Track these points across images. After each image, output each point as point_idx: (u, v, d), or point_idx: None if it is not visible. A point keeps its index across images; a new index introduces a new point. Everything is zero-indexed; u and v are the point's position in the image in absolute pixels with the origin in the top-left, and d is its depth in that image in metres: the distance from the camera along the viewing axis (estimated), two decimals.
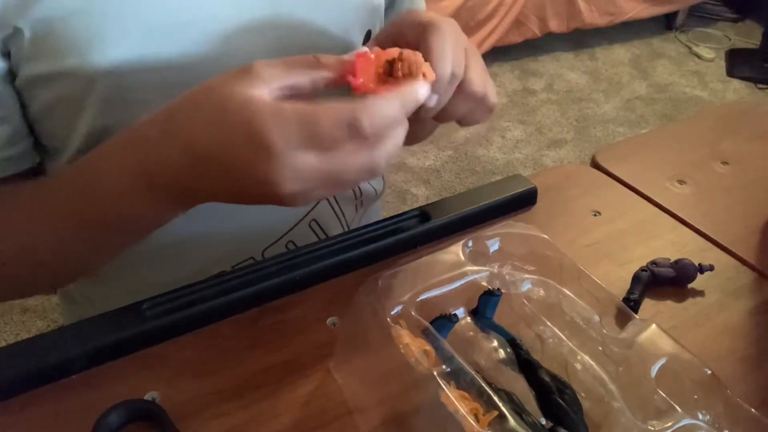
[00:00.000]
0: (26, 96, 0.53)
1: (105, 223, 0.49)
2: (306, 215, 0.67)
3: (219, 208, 0.60)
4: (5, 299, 0.60)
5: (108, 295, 0.66)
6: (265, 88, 0.40)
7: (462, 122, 0.56)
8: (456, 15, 2.62)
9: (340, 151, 0.40)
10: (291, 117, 0.39)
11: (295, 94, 0.42)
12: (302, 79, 0.43)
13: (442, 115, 0.51)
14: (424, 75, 0.44)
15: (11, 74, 0.52)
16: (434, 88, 0.46)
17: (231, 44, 0.55)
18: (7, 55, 0.51)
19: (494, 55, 2.90)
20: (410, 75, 0.43)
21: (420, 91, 0.43)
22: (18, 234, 0.52)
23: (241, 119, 0.39)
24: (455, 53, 0.48)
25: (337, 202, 0.70)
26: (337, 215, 0.70)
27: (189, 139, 0.42)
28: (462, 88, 0.50)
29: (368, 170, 0.41)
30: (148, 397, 0.47)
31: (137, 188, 0.45)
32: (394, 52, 0.44)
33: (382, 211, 0.85)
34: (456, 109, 0.51)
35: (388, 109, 0.41)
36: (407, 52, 0.44)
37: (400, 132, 0.42)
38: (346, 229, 0.71)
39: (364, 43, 0.65)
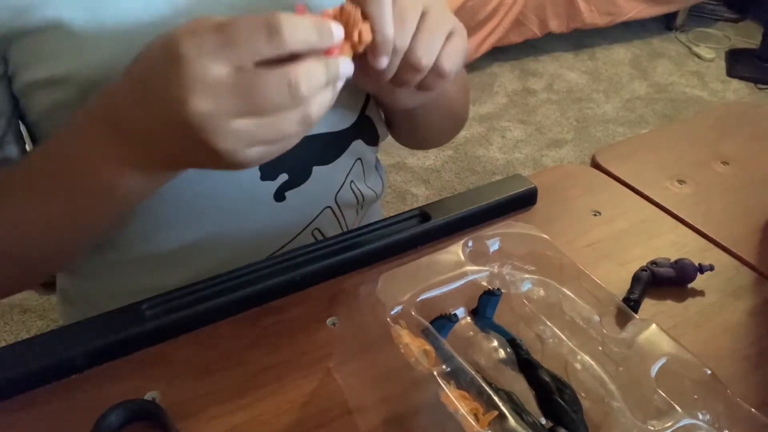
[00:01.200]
0: (26, 102, 0.53)
1: (81, 181, 0.47)
2: (309, 224, 0.66)
3: (221, 217, 0.60)
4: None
5: (107, 298, 0.66)
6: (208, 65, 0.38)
7: (417, 88, 0.53)
8: (456, 15, 2.62)
9: (259, 71, 0.37)
10: (207, 25, 0.37)
11: None
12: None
13: (393, 81, 0.49)
14: (360, 34, 0.43)
15: (7, 78, 0.52)
16: (377, 50, 0.45)
17: None
18: (4, 60, 0.51)
19: (494, 55, 2.89)
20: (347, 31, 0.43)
21: (341, 66, 0.42)
22: (5, 219, 0.51)
23: (165, 36, 0.38)
24: (401, 18, 0.46)
25: (339, 208, 0.69)
26: (339, 222, 0.70)
27: (130, 72, 0.42)
28: (405, 57, 0.47)
29: (289, 91, 0.38)
30: (148, 397, 0.47)
31: (93, 132, 0.45)
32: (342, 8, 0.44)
33: (382, 210, 0.84)
34: (401, 76, 0.49)
35: (310, 30, 0.39)
36: (347, 7, 0.44)
37: (328, 91, 0.41)
38: None
39: None
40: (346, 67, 0.42)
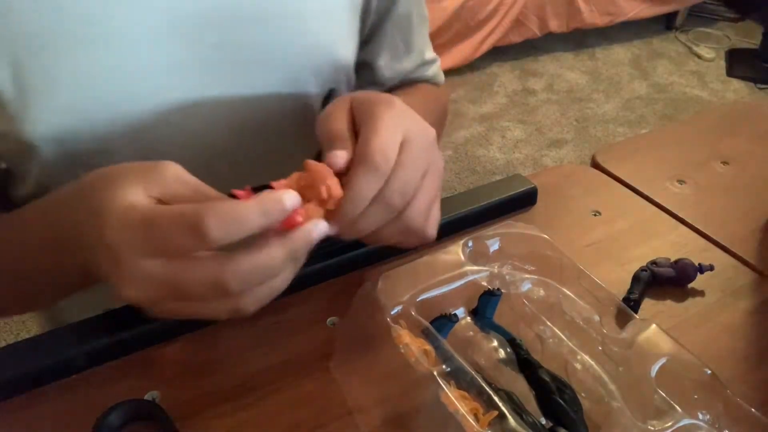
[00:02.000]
0: None
1: (32, 269, 0.48)
2: None
3: None
4: None
5: (72, 305, 0.67)
6: (142, 188, 0.38)
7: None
8: (456, 15, 2.62)
9: (186, 265, 0.36)
10: (136, 221, 0.36)
11: None
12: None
13: (368, 239, 0.44)
14: (328, 189, 0.39)
15: None
16: (344, 211, 0.40)
17: (169, 98, 0.52)
18: None
19: (494, 55, 2.90)
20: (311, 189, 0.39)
21: (303, 239, 0.38)
22: None
23: (99, 223, 0.37)
24: (404, 182, 0.41)
25: None
26: None
27: (78, 225, 0.41)
28: (399, 218, 0.43)
29: (217, 289, 0.36)
30: (148, 397, 0.47)
31: (52, 246, 0.45)
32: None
33: None
34: (388, 235, 0.44)
35: (245, 208, 0.35)
36: (312, 165, 0.40)
37: (276, 279, 0.38)
38: None
39: (325, 104, 0.61)
40: (312, 234, 0.38)
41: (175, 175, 0.39)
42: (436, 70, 0.75)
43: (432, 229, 0.46)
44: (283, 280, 0.39)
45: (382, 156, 0.40)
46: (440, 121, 0.75)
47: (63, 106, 0.48)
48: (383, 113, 0.42)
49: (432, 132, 0.45)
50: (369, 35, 0.66)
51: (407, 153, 0.42)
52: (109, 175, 0.40)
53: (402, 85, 0.72)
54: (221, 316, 0.38)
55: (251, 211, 0.35)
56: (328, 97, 0.61)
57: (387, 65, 0.69)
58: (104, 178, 0.40)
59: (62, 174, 0.49)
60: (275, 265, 0.37)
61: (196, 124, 0.54)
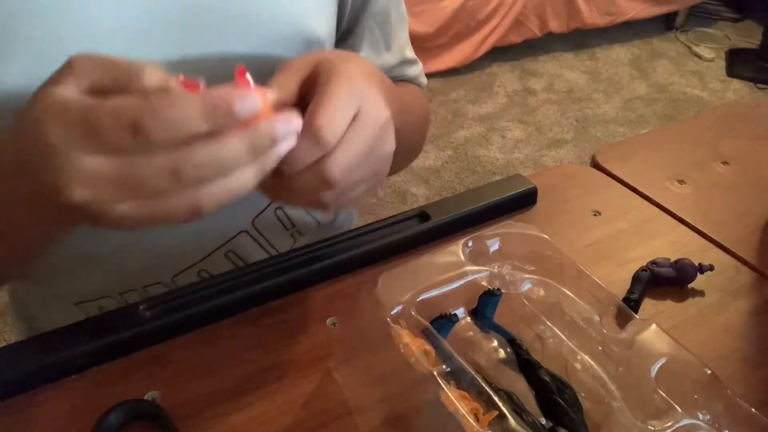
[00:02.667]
0: None
1: None
2: (221, 246, 0.63)
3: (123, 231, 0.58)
4: None
5: (36, 295, 0.67)
6: (73, 84, 0.35)
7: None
8: (456, 15, 2.62)
9: (135, 159, 0.34)
10: (74, 113, 0.34)
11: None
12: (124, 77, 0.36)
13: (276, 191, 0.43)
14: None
15: None
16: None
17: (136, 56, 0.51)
18: None
19: (494, 55, 2.90)
20: None
21: (263, 134, 0.36)
22: None
23: (32, 119, 0.35)
24: (347, 158, 0.41)
25: (259, 232, 0.65)
26: (262, 246, 0.66)
27: (9, 143, 0.39)
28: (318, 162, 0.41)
29: (170, 177, 0.34)
30: (148, 397, 0.47)
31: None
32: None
33: (377, 212, 0.83)
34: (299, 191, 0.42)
35: (185, 110, 0.33)
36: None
37: (237, 173, 0.36)
38: None
39: None
40: (276, 128, 0.36)
41: (94, 61, 0.36)
42: (418, 72, 0.74)
43: (328, 201, 0.43)
44: (242, 179, 0.36)
45: (328, 130, 0.39)
46: (422, 122, 0.73)
47: (20, 72, 0.46)
48: (341, 83, 0.41)
49: (386, 114, 0.44)
50: (348, 28, 0.66)
51: (355, 130, 0.41)
52: (33, 96, 0.37)
53: None
54: (180, 215, 0.36)
55: (194, 110, 0.33)
56: None
57: (368, 59, 0.67)
58: (30, 99, 0.37)
59: None
60: (232, 155, 0.35)
61: None
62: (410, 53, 0.73)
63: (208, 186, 0.35)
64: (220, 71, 0.48)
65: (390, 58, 0.70)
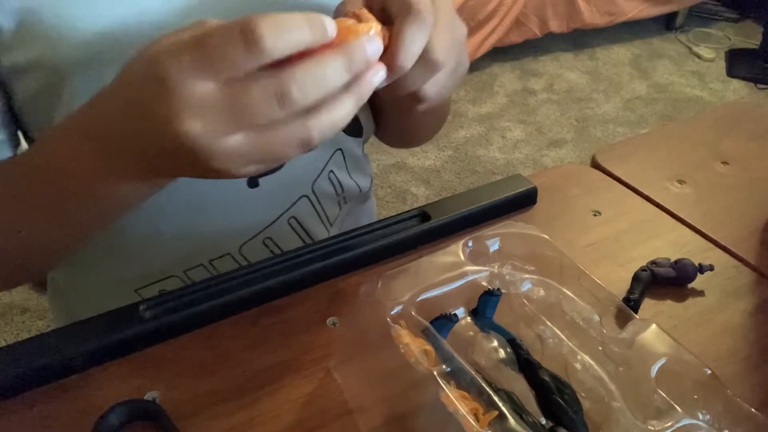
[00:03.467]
0: (9, 87, 0.54)
1: (65, 193, 0.46)
2: (285, 212, 0.65)
3: (190, 202, 0.60)
4: None
5: (93, 284, 0.67)
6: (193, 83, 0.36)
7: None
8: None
9: (244, 83, 0.35)
10: (184, 41, 0.35)
11: None
12: None
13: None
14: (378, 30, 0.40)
15: None
16: (398, 62, 0.41)
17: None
18: None
19: (494, 55, 2.90)
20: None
21: (359, 51, 0.37)
22: None
23: (144, 56, 0.37)
24: (443, 38, 0.43)
25: (316, 197, 0.67)
26: (318, 213, 0.68)
27: (114, 89, 0.40)
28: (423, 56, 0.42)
29: (280, 101, 0.35)
30: (148, 397, 0.47)
31: (81, 146, 0.43)
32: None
33: (374, 212, 0.84)
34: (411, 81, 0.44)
35: (296, 27, 0.35)
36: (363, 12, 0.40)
37: (339, 99, 0.37)
38: (329, 228, 0.70)
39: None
40: (365, 47, 0.38)
41: (187, 65, 0.36)
42: None
43: (431, 92, 0.45)
44: (344, 110, 0.38)
45: (429, 11, 0.41)
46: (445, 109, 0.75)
47: (93, 30, 0.49)
48: None
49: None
50: None
51: (441, 12, 0.43)
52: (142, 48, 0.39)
53: None
54: (289, 147, 0.37)
55: (300, 20, 0.35)
56: None
57: None
58: (131, 68, 0.39)
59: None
60: (333, 73, 0.36)
61: None
62: None
63: (315, 115, 0.37)
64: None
65: None
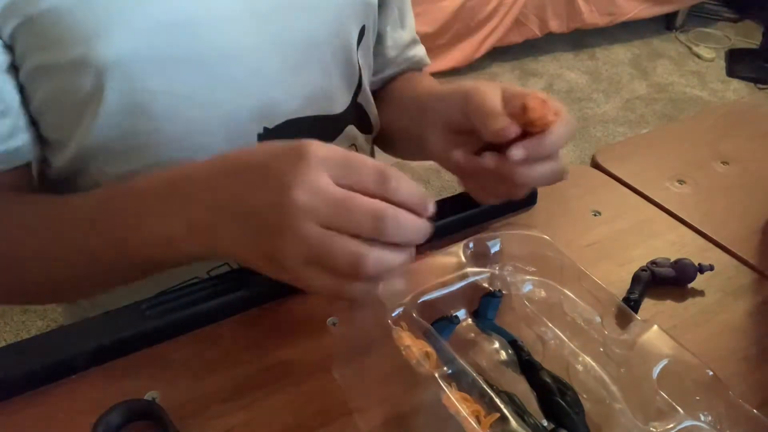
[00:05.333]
0: (30, 87, 0.54)
1: (131, 244, 0.50)
2: None
3: None
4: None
5: (109, 294, 0.67)
6: (327, 176, 0.42)
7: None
8: (456, 15, 2.62)
9: (356, 195, 0.42)
10: (334, 198, 0.41)
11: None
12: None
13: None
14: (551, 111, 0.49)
15: (14, 67, 0.52)
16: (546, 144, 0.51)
17: (232, 35, 0.56)
18: (10, 49, 0.51)
19: (494, 55, 2.89)
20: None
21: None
22: (22, 251, 0.53)
23: (298, 141, 0.43)
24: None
25: None
26: None
27: (236, 159, 0.46)
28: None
29: (372, 229, 0.41)
30: (148, 397, 0.47)
31: (180, 236, 0.47)
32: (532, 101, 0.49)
33: None
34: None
35: (413, 190, 0.43)
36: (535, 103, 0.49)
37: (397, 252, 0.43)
38: None
39: (360, 40, 0.67)
40: (429, 233, 0.44)
41: (329, 158, 0.43)
42: (423, 52, 0.81)
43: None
44: (398, 257, 0.44)
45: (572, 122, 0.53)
46: None
47: (133, 31, 0.51)
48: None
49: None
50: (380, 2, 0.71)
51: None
52: (261, 163, 0.44)
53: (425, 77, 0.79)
54: (343, 257, 0.42)
55: (416, 190, 0.43)
56: (361, 34, 0.66)
57: (389, 35, 0.75)
58: (260, 166, 0.44)
59: (123, 121, 0.53)
60: (407, 232, 0.43)
61: (252, 63, 0.58)
62: (414, 31, 0.80)
63: (379, 248, 0.42)
64: (301, 30, 0.59)
65: (405, 35, 0.77)
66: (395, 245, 0.43)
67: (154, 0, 0.52)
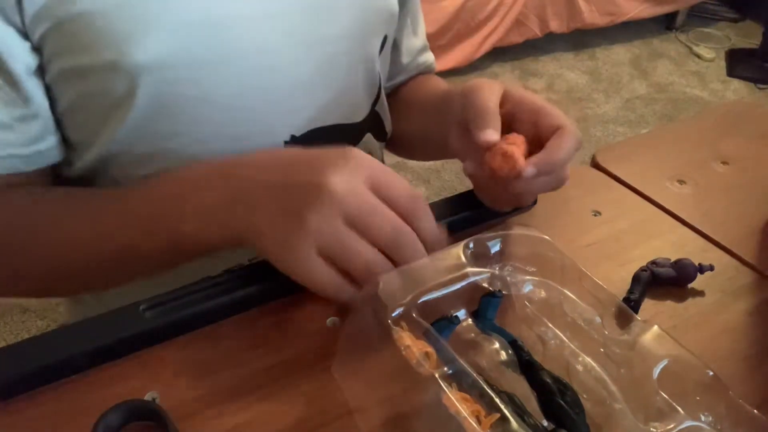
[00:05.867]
0: (57, 90, 0.54)
1: (159, 251, 0.52)
2: None
3: None
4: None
5: (115, 293, 0.67)
6: (364, 178, 0.45)
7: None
8: (456, 15, 2.62)
9: (382, 204, 0.45)
10: (366, 202, 0.44)
11: None
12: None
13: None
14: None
15: (41, 70, 0.53)
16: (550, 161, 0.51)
17: (262, 41, 0.57)
18: (39, 51, 0.51)
19: (494, 55, 2.89)
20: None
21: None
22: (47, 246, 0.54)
23: (345, 148, 0.46)
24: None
25: None
26: None
27: (282, 154, 0.50)
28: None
29: (386, 238, 0.45)
30: (148, 397, 0.47)
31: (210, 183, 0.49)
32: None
33: None
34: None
35: (433, 223, 0.48)
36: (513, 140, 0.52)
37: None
38: None
39: (381, 49, 0.67)
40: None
41: (371, 168, 0.46)
42: (432, 58, 0.83)
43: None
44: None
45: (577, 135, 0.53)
46: None
47: (167, 35, 0.52)
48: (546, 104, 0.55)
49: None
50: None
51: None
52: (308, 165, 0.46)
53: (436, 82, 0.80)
54: (355, 259, 0.45)
55: (435, 223, 0.48)
56: (383, 43, 0.67)
57: (404, 42, 0.76)
58: (306, 168, 0.46)
59: (150, 124, 0.54)
60: (414, 251, 0.47)
61: (282, 68, 0.59)
62: (425, 39, 0.82)
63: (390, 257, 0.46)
64: (326, 35, 0.60)
65: (417, 42, 0.78)
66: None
67: (184, 2, 0.52)
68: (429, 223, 0.47)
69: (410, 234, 0.45)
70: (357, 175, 0.44)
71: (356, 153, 0.46)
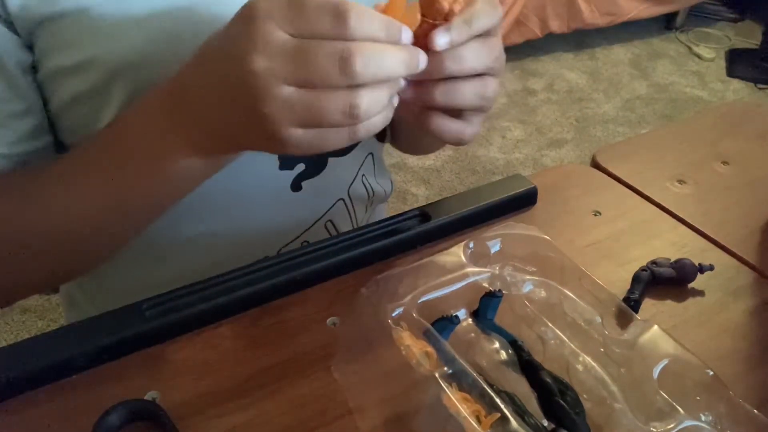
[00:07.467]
0: (48, 89, 0.54)
1: (137, 160, 0.48)
2: (323, 216, 0.67)
3: (235, 205, 0.61)
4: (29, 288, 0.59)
5: (111, 296, 0.66)
6: (276, 29, 0.40)
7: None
8: None
9: (316, 41, 0.38)
10: (282, 52, 0.39)
11: None
12: None
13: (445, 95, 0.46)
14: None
15: (34, 67, 0.52)
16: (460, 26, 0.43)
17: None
18: (31, 49, 0.51)
19: None
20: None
21: (409, 57, 0.41)
22: (48, 211, 0.52)
23: (245, 4, 0.40)
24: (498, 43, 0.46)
25: (351, 200, 0.70)
26: (350, 216, 0.71)
27: (202, 45, 0.44)
28: (485, 79, 0.46)
29: (341, 73, 0.38)
30: (148, 397, 0.47)
31: (155, 120, 0.46)
32: None
33: (387, 213, 0.85)
34: (467, 95, 0.46)
35: (377, 25, 0.39)
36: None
37: (384, 87, 0.41)
38: None
39: None
40: (417, 60, 0.41)
41: (276, 9, 0.40)
42: None
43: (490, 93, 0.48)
44: (388, 90, 0.41)
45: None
46: None
47: (140, 29, 0.51)
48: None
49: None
50: None
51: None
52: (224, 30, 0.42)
53: None
54: (337, 114, 0.39)
55: (381, 22, 0.39)
56: None
57: None
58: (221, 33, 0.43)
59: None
60: (393, 64, 0.40)
61: None
62: None
63: (366, 90, 0.39)
64: None
65: None
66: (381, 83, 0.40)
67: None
68: (369, 23, 0.39)
69: (353, 50, 0.38)
70: (268, 33, 0.39)
71: (255, 5, 0.40)
